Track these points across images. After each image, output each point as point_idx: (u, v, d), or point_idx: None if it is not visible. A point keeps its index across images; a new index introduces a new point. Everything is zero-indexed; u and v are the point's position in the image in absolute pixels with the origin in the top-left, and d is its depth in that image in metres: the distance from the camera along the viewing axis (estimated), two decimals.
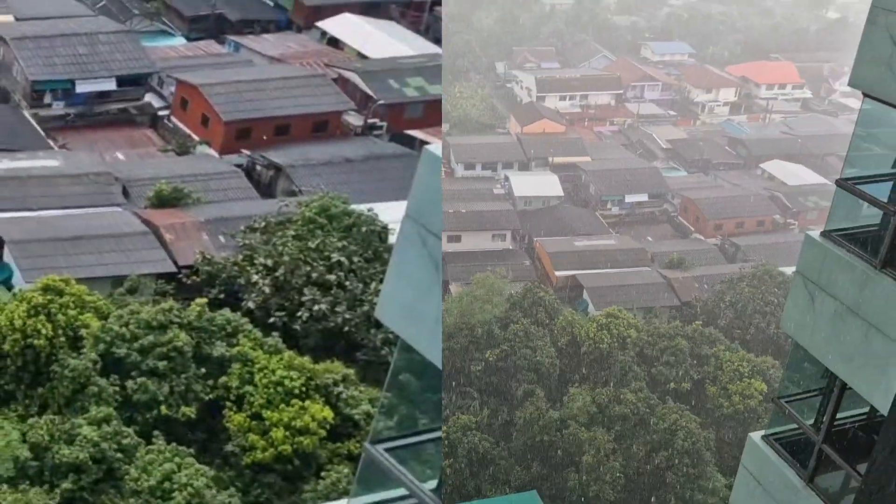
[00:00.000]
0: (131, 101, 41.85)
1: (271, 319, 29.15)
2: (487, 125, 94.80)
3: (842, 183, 11.02)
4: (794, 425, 11.49)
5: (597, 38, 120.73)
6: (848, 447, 10.72)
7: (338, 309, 29.01)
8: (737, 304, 54.55)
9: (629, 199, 77.24)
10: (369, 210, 31.91)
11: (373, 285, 29.74)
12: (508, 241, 69.12)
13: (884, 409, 9.61)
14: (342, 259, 29.91)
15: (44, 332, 26.51)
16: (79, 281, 28.33)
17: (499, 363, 47.53)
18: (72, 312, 27.06)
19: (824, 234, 11.04)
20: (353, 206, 31.99)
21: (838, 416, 10.82)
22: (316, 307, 28.99)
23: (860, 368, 10.24)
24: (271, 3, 50.12)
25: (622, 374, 47.29)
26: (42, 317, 26.70)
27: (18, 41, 41.14)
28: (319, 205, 31.55)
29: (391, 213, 30.22)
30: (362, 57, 44.12)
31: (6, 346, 26.58)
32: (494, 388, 48.13)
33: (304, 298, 29.25)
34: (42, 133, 40.00)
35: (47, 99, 40.88)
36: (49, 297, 27.09)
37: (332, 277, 29.74)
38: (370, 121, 39.66)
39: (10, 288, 31.07)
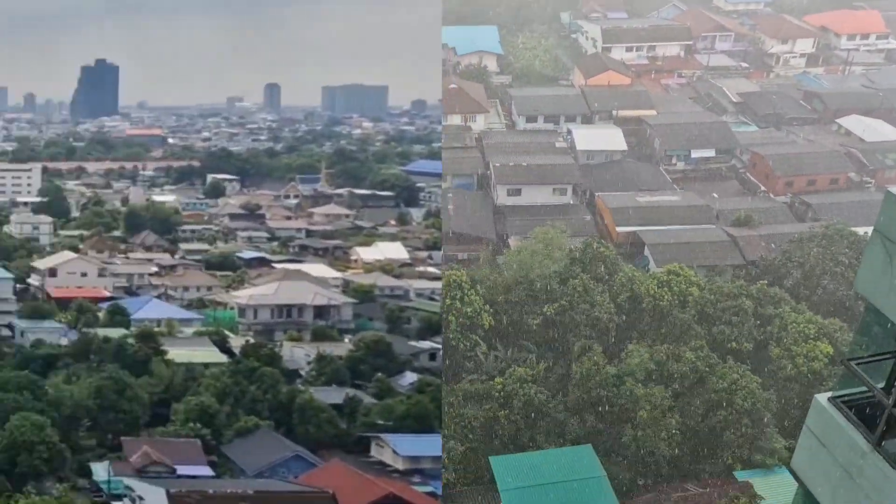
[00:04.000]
0: (722, 163, 75.76)
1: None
2: (551, 77, 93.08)
3: None
4: (863, 388, 11.20)
5: None
6: None
7: None
8: (805, 265, 53.02)
9: (695, 154, 75.29)
10: None
11: None
12: (569, 196, 68.35)
13: None
14: None
15: (666, 297, 47.98)
16: (689, 267, 51.68)
17: (557, 317, 47.45)
18: (682, 286, 48.53)
19: None
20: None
21: None
22: None
23: None
24: None
25: (682, 332, 46.71)
26: (665, 288, 48.38)
27: (657, 127, 78.01)
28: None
29: None
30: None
31: (644, 305, 48.85)
32: (552, 342, 48.16)
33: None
34: (670, 181, 72.23)
35: (674, 161, 75.53)
36: (670, 277, 49.18)
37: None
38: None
39: (647, 271, 55.17)
